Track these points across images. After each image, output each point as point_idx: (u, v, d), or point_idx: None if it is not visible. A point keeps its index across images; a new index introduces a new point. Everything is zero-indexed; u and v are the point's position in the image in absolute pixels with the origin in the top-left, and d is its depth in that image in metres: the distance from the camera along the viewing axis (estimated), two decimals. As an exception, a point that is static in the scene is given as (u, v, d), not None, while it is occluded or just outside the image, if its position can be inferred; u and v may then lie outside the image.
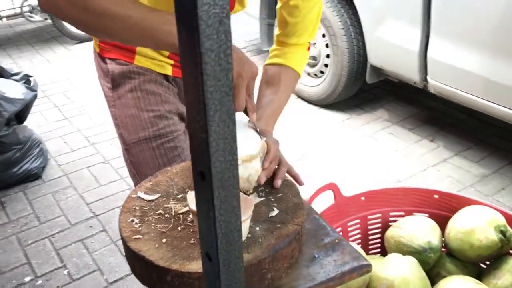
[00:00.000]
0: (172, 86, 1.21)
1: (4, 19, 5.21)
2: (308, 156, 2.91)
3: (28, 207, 2.54)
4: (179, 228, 0.88)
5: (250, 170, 0.92)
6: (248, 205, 0.83)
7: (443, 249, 1.64)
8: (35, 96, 2.79)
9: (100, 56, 1.19)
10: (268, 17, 3.51)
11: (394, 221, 1.69)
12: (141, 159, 1.14)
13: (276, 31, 1.26)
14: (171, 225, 0.89)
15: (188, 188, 0.98)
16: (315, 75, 3.44)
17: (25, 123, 2.81)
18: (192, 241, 0.85)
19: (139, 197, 0.96)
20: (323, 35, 3.25)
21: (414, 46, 2.66)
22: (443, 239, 1.61)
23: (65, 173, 2.82)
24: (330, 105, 3.43)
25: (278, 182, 0.96)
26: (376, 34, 2.86)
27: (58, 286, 2.06)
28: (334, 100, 3.37)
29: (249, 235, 0.85)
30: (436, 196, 1.66)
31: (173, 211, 0.92)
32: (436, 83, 2.67)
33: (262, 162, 0.94)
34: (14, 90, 2.62)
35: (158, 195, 0.96)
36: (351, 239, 1.71)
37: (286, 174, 1.06)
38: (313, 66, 3.43)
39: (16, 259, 2.21)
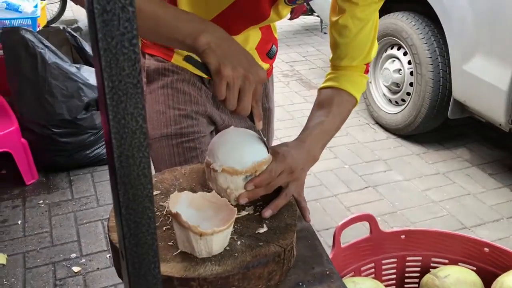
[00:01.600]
0: (205, 89, 1.21)
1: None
2: (374, 184, 2.78)
3: (91, 188, 2.69)
4: (164, 228, 0.87)
5: (229, 183, 0.88)
6: (228, 216, 0.80)
7: (486, 309, 1.47)
8: (117, 87, 2.95)
9: (141, 51, 1.22)
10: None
11: (436, 267, 1.55)
12: (159, 155, 1.15)
13: (330, 55, 1.20)
14: (158, 224, 0.87)
15: (190, 190, 0.96)
16: (396, 102, 3.29)
17: (105, 111, 2.98)
18: (170, 243, 0.83)
19: (139, 191, 0.96)
20: (409, 62, 3.11)
21: (503, 84, 2.44)
22: (485, 297, 1.45)
23: (132, 163, 2.95)
24: (409, 136, 3.25)
25: (266, 213, 0.88)
26: (463, 66, 2.67)
27: (98, 268, 2.14)
28: (412, 131, 3.19)
29: (228, 248, 0.81)
30: (486, 250, 1.50)
31: (165, 210, 0.91)
32: (524, 128, 2.43)
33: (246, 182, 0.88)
34: (98, 78, 2.79)
35: (158, 192, 0.96)
36: (384, 277, 1.60)
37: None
38: (395, 93, 3.28)
39: (69, 235, 2.33)
